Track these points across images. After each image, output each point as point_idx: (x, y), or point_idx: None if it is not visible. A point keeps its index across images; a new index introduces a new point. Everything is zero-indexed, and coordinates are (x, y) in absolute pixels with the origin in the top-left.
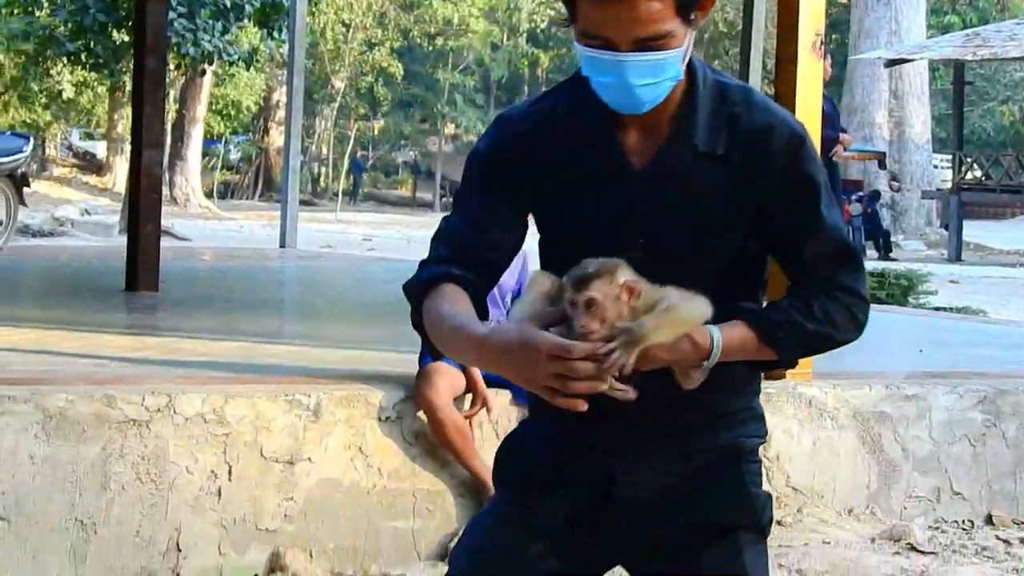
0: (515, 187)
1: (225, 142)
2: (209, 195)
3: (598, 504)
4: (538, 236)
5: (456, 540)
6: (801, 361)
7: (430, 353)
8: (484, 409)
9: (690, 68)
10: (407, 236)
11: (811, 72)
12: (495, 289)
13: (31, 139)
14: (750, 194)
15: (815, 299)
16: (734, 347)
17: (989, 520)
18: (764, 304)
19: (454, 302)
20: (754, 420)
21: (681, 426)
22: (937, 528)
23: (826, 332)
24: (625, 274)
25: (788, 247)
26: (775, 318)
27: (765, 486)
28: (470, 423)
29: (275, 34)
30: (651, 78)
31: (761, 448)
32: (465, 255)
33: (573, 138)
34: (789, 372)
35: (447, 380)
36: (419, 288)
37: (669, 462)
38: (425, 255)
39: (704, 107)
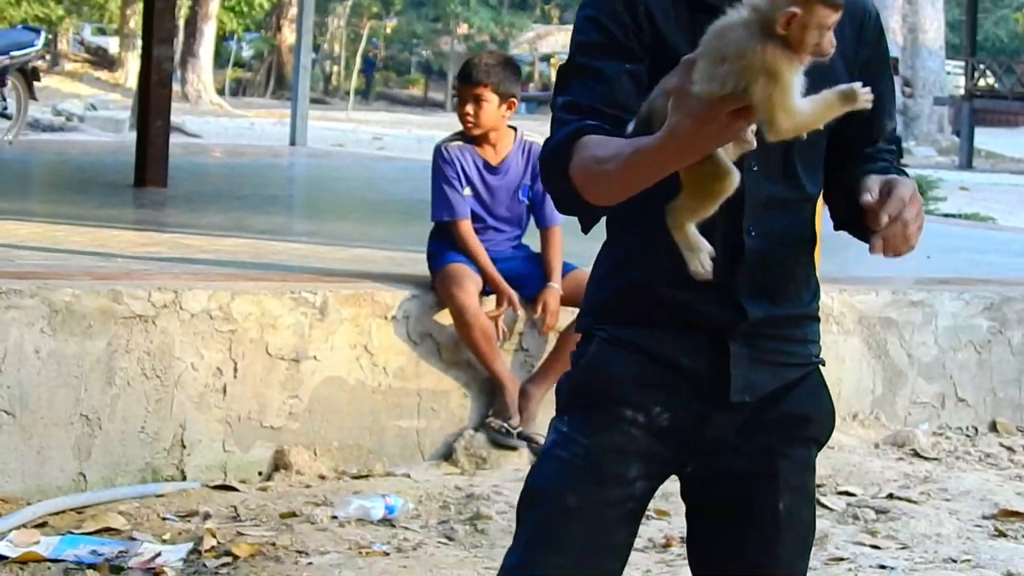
0: (633, 44)
1: (238, 39)
2: (221, 92)
3: (701, 410)
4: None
5: (532, 477)
6: None
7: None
8: (510, 308)
9: None
10: (417, 136)
11: None
12: (504, 186)
13: (42, 33)
14: (849, 53)
15: (895, 167)
16: None
17: (993, 427)
18: None
19: (606, 143)
20: (819, 326)
21: (784, 320)
22: (941, 434)
23: None
24: None
25: (870, 120)
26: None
27: None
28: (496, 327)
29: None
30: None
31: None
32: (594, 111)
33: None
34: None
35: (474, 282)
36: (560, 150)
37: (775, 371)
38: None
39: None
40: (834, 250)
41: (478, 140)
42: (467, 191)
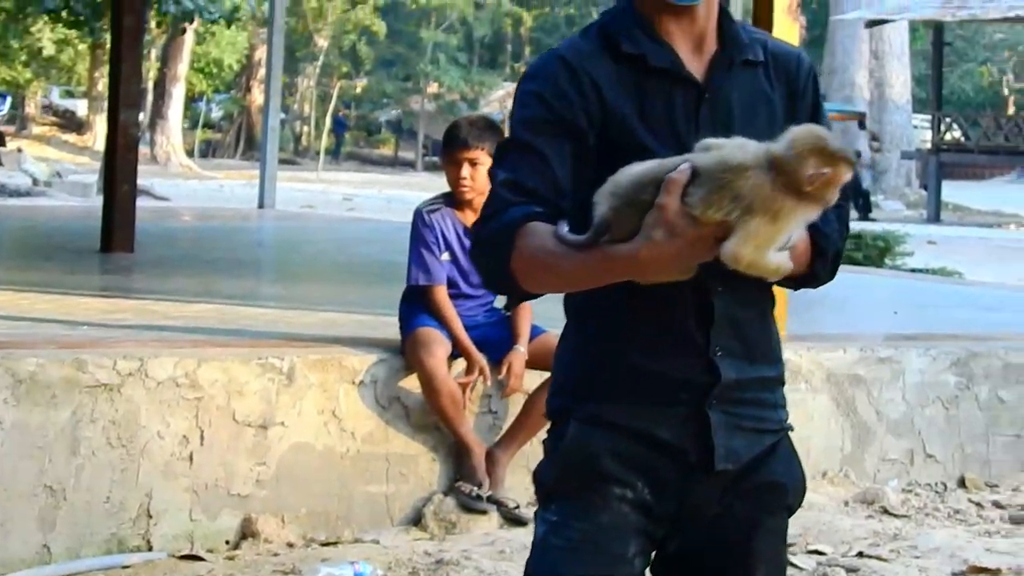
0: (576, 118)
1: (207, 100)
2: (190, 154)
3: (682, 482)
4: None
5: (532, 572)
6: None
7: (427, 317)
8: (480, 376)
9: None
10: (388, 196)
11: (788, 35)
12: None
13: (7, 98)
14: (784, 105)
15: (835, 220)
16: (800, 249)
17: (962, 483)
18: None
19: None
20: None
21: (758, 381)
22: (910, 491)
23: (840, 255)
24: None
25: None
26: (826, 226)
27: None
28: (464, 394)
29: None
30: None
31: None
32: (537, 196)
33: (639, 60)
34: None
35: (443, 347)
36: (506, 233)
37: (753, 437)
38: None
39: (738, 27)
40: (801, 308)
41: (460, 205)
42: (445, 256)
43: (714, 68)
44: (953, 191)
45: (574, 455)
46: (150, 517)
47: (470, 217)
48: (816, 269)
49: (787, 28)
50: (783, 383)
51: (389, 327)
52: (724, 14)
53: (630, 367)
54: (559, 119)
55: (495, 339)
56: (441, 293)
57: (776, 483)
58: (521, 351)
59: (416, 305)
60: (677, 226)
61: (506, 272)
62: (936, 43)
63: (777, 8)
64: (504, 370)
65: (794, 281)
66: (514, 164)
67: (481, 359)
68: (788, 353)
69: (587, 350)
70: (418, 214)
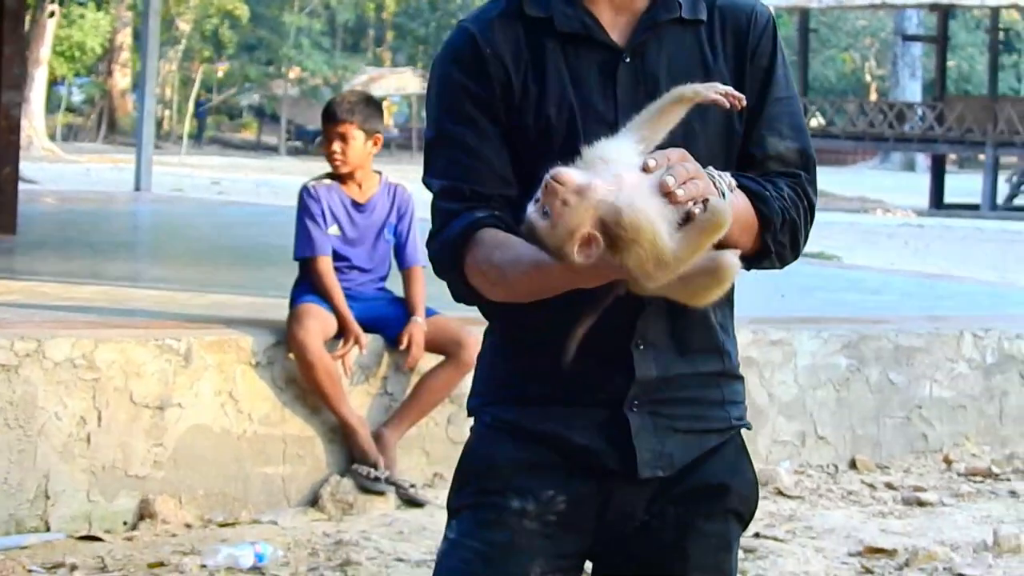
0: (492, 97)
1: (68, 84)
2: (52, 137)
3: (602, 490)
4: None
5: None
6: None
7: (310, 293)
8: (356, 347)
9: None
10: (255, 180)
11: None
12: (371, 224)
13: None
14: (731, 67)
15: (788, 188)
16: (740, 215)
17: (853, 464)
18: None
19: (505, 246)
20: (743, 386)
21: (695, 377)
22: (803, 472)
23: (797, 227)
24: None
25: (756, 136)
26: (769, 191)
27: None
28: (343, 366)
29: None
30: None
31: None
32: (478, 196)
33: (545, 24)
34: None
35: (319, 321)
36: (452, 249)
37: (691, 439)
38: (436, 219)
39: None
40: None
41: (344, 179)
42: (333, 228)
43: (637, 30)
44: (818, 177)
45: (470, 464)
46: (48, 498)
47: (355, 190)
48: (766, 240)
49: None
50: (736, 377)
51: (282, 310)
52: None
53: (543, 363)
54: (476, 101)
55: (391, 316)
56: (325, 264)
57: (714, 484)
58: (419, 322)
59: (304, 284)
60: None
61: (465, 287)
62: (802, 29)
63: None
64: (404, 342)
65: (748, 260)
66: (446, 166)
67: (357, 328)
68: None
69: (500, 353)
70: (304, 188)
